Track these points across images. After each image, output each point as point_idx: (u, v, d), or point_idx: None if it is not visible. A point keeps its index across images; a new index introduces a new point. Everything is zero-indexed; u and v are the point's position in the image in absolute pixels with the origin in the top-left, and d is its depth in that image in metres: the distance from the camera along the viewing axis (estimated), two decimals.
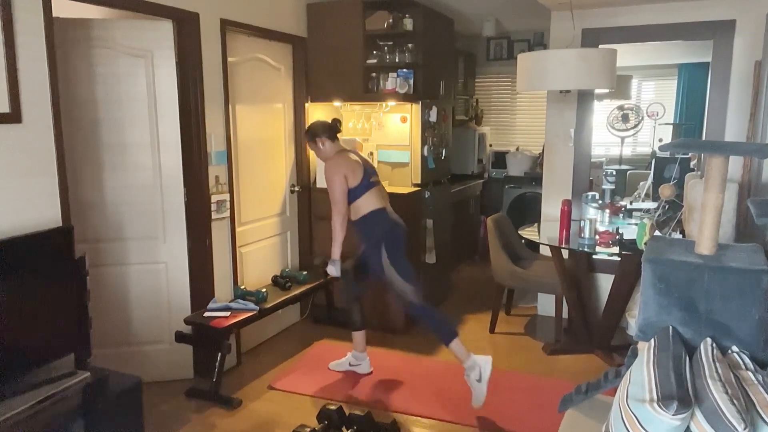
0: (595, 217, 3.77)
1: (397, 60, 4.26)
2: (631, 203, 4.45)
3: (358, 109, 4.53)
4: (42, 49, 2.46)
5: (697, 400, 1.49)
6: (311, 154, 4.44)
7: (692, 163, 4.69)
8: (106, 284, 3.27)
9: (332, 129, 3.40)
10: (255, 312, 3.47)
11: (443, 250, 4.77)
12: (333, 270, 3.34)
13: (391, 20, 4.18)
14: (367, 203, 3.29)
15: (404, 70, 4.19)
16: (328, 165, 3.29)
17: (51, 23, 2.49)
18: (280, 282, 3.97)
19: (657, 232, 3.31)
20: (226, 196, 3.59)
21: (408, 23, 4.20)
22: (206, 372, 3.34)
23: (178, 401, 3.26)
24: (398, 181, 4.40)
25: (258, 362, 3.76)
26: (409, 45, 4.26)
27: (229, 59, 3.60)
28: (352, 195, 3.26)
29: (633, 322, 3.84)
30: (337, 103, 4.46)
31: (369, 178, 3.31)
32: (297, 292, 3.92)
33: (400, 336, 4.15)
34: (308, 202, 4.46)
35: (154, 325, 3.41)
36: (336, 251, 3.30)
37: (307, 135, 3.41)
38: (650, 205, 4.23)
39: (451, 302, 4.94)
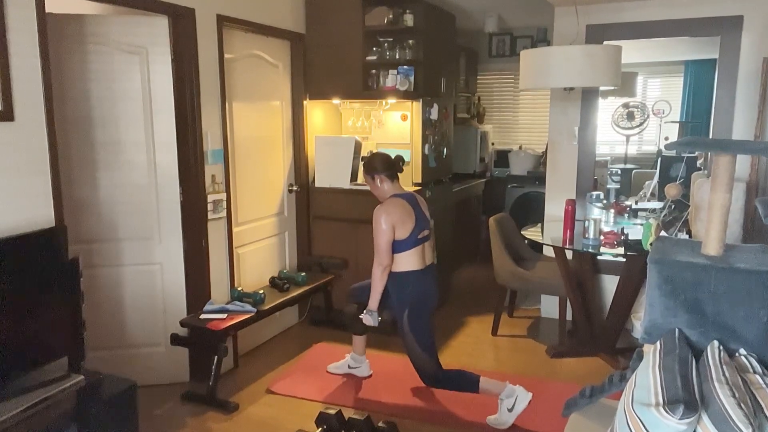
0: (599, 217, 3.77)
1: (397, 56, 4.26)
2: (636, 203, 4.45)
3: (357, 107, 4.53)
4: (35, 46, 2.46)
5: (704, 404, 1.49)
6: (309, 152, 4.44)
7: (699, 162, 4.70)
8: (100, 286, 3.27)
9: (394, 167, 3.19)
10: (252, 314, 3.47)
11: (444, 251, 4.76)
12: (370, 320, 3.18)
13: (391, 16, 4.18)
14: (407, 262, 3.09)
15: (405, 66, 4.19)
16: (380, 208, 3.06)
17: (44, 19, 2.49)
18: (277, 283, 3.97)
19: (663, 233, 3.31)
20: (223, 196, 3.59)
21: (408, 19, 4.20)
22: (202, 375, 3.34)
23: (174, 405, 3.26)
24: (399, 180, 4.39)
25: (255, 365, 3.76)
26: (410, 41, 4.27)
27: (226, 56, 3.60)
28: (397, 247, 3.05)
29: (638, 324, 3.84)
30: (336, 101, 4.46)
31: (418, 234, 3.09)
32: (295, 293, 3.92)
33: (401, 338, 4.14)
34: (307, 202, 4.46)
35: (149, 327, 3.41)
36: (374, 302, 3.12)
37: (365, 168, 3.23)
38: (656, 204, 4.24)
39: (452, 304, 4.95)
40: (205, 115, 3.43)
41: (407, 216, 3.07)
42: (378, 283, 3.09)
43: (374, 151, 4.42)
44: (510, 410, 2.99)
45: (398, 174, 3.22)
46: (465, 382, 3.09)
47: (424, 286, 3.17)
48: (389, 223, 3.01)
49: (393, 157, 3.24)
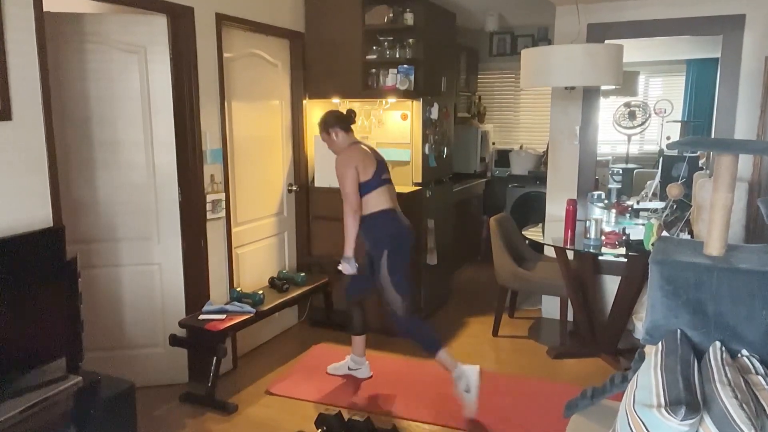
0: (600, 217, 3.77)
1: (397, 55, 4.26)
2: (638, 203, 4.45)
3: (357, 106, 4.50)
4: (32, 45, 2.46)
5: (706, 406, 1.49)
6: (309, 152, 4.44)
7: (701, 162, 4.70)
8: (99, 286, 3.27)
9: (346, 120, 3.37)
10: (251, 315, 3.47)
11: (445, 251, 4.77)
12: (348, 268, 3.26)
13: (391, 14, 4.18)
14: (377, 201, 3.24)
15: (405, 65, 4.19)
16: (340, 157, 3.25)
17: (42, 18, 2.49)
18: (277, 284, 3.97)
19: (665, 233, 3.31)
20: (222, 196, 3.59)
21: (409, 18, 4.20)
22: (201, 376, 3.34)
23: (173, 406, 3.26)
24: (399, 180, 4.39)
25: (255, 366, 3.76)
26: (410, 40, 4.26)
27: (225, 55, 3.60)
28: (363, 189, 3.21)
29: (640, 325, 3.84)
30: (335, 100, 4.45)
31: (381, 175, 3.27)
32: (295, 294, 3.92)
33: (401, 339, 4.15)
34: (306, 202, 4.46)
35: (147, 328, 3.41)
36: (349, 248, 3.23)
37: (320, 126, 3.39)
38: (658, 204, 4.23)
39: (452, 305, 4.95)
40: (204, 115, 3.43)
41: (367, 159, 3.24)
42: (351, 228, 3.19)
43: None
44: (467, 391, 3.08)
45: (351, 126, 3.38)
46: (430, 339, 3.22)
47: (397, 225, 3.28)
48: (352, 165, 3.17)
49: (345, 111, 3.43)
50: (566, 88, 4.03)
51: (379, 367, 3.68)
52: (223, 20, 3.51)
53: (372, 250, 3.28)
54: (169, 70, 3.26)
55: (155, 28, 3.21)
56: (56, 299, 2.46)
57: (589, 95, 4.29)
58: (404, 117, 4.35)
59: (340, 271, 3.34)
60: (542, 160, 6.10)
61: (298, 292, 3.96)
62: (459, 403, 3.21)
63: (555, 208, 4.41)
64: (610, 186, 4.33)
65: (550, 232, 4.13)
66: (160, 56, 3.23)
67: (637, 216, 4.20)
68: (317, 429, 2.90)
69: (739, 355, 1.79)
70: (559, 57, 3.40)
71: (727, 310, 1.81)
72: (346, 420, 2.92)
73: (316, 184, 4.42)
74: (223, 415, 3.17)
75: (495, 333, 4.28)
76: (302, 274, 4.15)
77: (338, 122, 3.34)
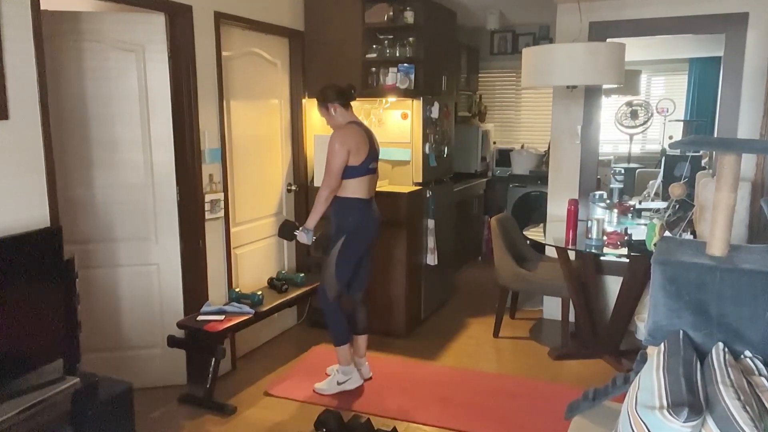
0: (602, 217, 3.77)
1: (397, 54, 4.26)
2: (640, 203, 4.44)
3: (357, 106, 4.50)
4: (29, 43, 2.46)
5: (709, 407, 1.49)
6: (308, 151, 4.44)
7: (703, 161, 4.70)
8: (96, 287, 3.27)
9: (346, 95, 3.33)
10: (250, 315, 3.47)
11: (445, 252, 4.77)
12: (305, 238, 3.31)
13: (391, 13, 4.17)
14: (356, 188, 3.25)
15: (405, 64, 4.19)
16: (337, 134, 3.21)
17: (39, 16, 2.49)
18: (276, 284, 3.97)
19: (667, 233, 3.31)
20: (221, 196, 3.59)
21: (409, 16, 4.20)
22: (200, 378, 3.34)
23: (171, 408, 3.26)
24: (399, 179, 4.40)
25: (253, 367, 3.76)
26: (410, 39, 4.26)
27: (224, 54, 3.60)
28: (347, 173, 3.21)
29: (642, 325, 3.84)
30: None
31: (369, 164, 3.28)
32: (294, 295, 3.91)
33: (401, 340, 4.15)
34: (305, 202, 4.46)
35: (145, 329, 3.41)
36: (312, 221, 3.27)
37: (318, 99, 3.34)
38: (660, 204, 4.23)
39: (453, 305, 4.95)
40: (203, 114, 3.42)
41: (362, 144, 3.23)
42: (321, 205, 3.22)
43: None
44: (339, 384, 3.35)
45: (350, 102, 3.35)
46: (339, 331, 3.37)
47: (366, 217, 3.32)
48: (345, 147, 3.17)
49: (345, 85, 3.37)
50: (568, 87, 4.02)
51: (379, 368, 3.68)
52: (221, 18, 3.51)
53: (333, 231, 3.32)
54: (168, 69, 3.26)
55: (153, 26, 3.21)
56: (53, 300, 2.46)
57: (591, 94, 4.29)
58: (404, 116, 4.35)
59: (295, 238, 3.38)
60: (543, 159, 6.10)
61: (298, 292, 3.95)
62: (460, 405, 3.21)
63: (556, 208, 4.41)
64: (612, 186, 4.33)
65: (551, 232, 4.13)
66: (159, 55, 3.23)
67: (639, 216, 4.19)
68: (317, 431, 2.89)
69: (742, 357, 1.79)
70: (560, 56, 3.40)
71: (730, 310, 1.81)
72: (345, 422, 2.92)
73: (316, 183, 4.41)
74: (222, 416, 3.17)
75: (496, 334, 4.28)
76: (301, 274, 4.14)
77: (338, 97, 3.29)
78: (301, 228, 3.33)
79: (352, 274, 3.37)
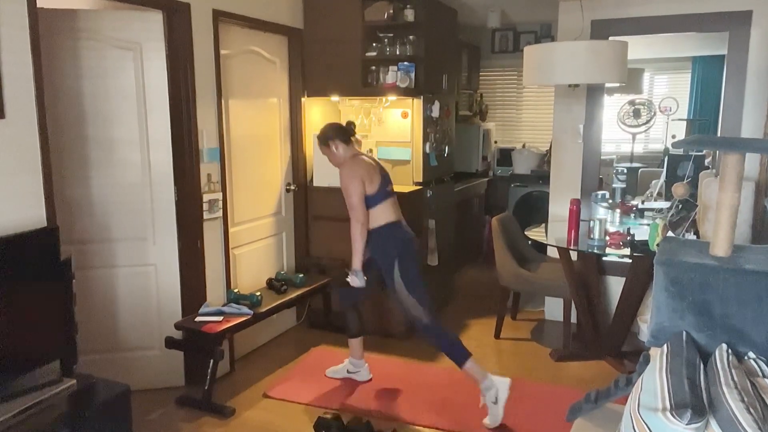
0: (605, 217, 3.77)
1: (397, 53, 4.26)
2: (642, 202, 4.45)
3: (356, 104, 4.53)
4: (26, 41, 2.46)
5: (712, 409, 1.49)
6: (307, 151, 4.44)
7: (707, 161, 4.70)
8: (93, 287, 3.27)
9: (346, 132, 3.36)
10: (249, 316, 3.47)
11: (446, 252, 4.77)
12: (356, 281, 3.25)
13: (391, 11, 4.17)
14: (384, 214, 3.23)
15: (405, 63, 4.19)
16: (344, 170, 3.23)
17: (35, 14, 2.49)
18: (275, 285, 3.97)
19: (670, 233, 3.31)
20: (219, 195, 3.59)
21: (409, 14, 4.20)
22: (198, 379, 3.34)
23: (169, 410, 3.26)
24: (399, 179, 4.40)
25: (252, 369, 3.76)
26: (411, 37, 4.26)
27: (222, 52, 3.60)
28: (369, 202, 3.20)
29: (645, 327, 3.84)
30: (334, 98, 4.46)
31: (386, 187, 3.27)
32: (293, 295, 3.91)
33: (401, 342, 4.15)
34: (305, 202, 4.47)
35: (143, 330, 3.41)
36: (357, 261, 3.22)
37: (319, 139, 3.38)
38: (663, 204, 4.24)
39: (454, 306, 4.95)
40: (201, 113, 3.43)
41: (373, 171, 3.25)
42: (358, 241, 3.19)
43: (371, 149, 4.43)
44: (495, 403, 3.05)
45: (351, 137, 3.37)
46: (456, 349, 3.15)
47: (406, 238, 3.29)
48: (358, 177, 3.17)
49: (345, 123, 3.44)
50: (570, 85, 4.03)
51: (378, 369, 3.68)
52: (220, 16, 3.51)
53: (382, 263, 3.24)
54: (165, 67, 3.26)
55: (151, 24, 3.21)
56: (50, 301, 2.46)
57: (593, 93, 4.29)
58: (405, 115, 4.36)
59: (347, 283, 3.31)
60: (545, 159, 6.09)
61: (297, 293, 3.96)
62: (461, 407, 3.21)
63: (558, 208, 4.41)
64: (614, 185, 4.34)
65: (553, 233, 4.13)
66: (156, 53, 3.23)
67: (642, 216, 4.20)
68: None
69: (746, 358, 1.79)
70: (562, 54, 3.40)
71: (734, 311, 1.81)
72: (345, 424, 2.92)
73: (315, 183, 4.42)
74: (220, 419, 3.17)
75: (497, 335, 4.28)
76: (301, 275, 4.14)
77: (338, 134, 3.32)
78: (349, 273, 3.27)
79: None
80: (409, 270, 3.22)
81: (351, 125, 3.44)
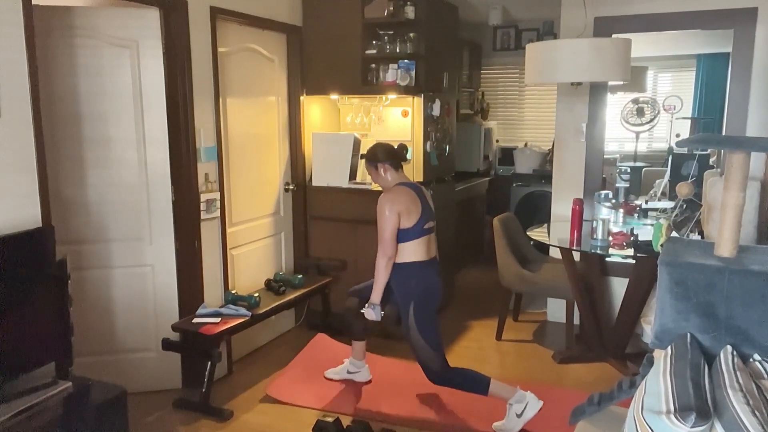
0: (608, 218, 3.77)
1: (398, 50, 4.26)
2: (646, 202, 4.45)
3: (356, 103, 4.53)
4: (21, 39, 2.46)
5: (717, 412, 1.49)
6: (306, 150, 4.44)
7: (711, 160, 4.69)
8: (89, 288, 3.27)
9: (398, 156, 3.19)
10: (247, 318, 3.47)
11: (447, 252, 4.76)
12: (372, 315, 3.13)
13: (391, 8, 4.17)
14: (414, 252, 3.07)
15: (405, 61, 4.19)
16: (385, 196, 3.06)
17: (30, 11, 2.49)
18: (273, 286, 3.97)
19: (674, 233, 3.31)
20: (217, 195, 3.59)
21: (410, 11, 4.20)
22: (195, 382, 3.34)
23: (165, 413, 3.26)
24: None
25: (250, 371, 3.76)
26: (411, 34, 4.26)
27: (220, 49, 3.60)
28: (401, 236, 3.04)
29: (648, 328, 3.84)
30: (334, 96, 4.46)
31: (425, 224, 3.09)
32: (291, 296, 3.92)
33: (401, 343, 4.15)
34: (303, 202, 4.46)
35: (139, 331, 3.41)
36: (377, 296, 3.09)
37: (368, 159, 3.20)
38: (667, 204, 4.23)
39: (455, 307, 4.95)
40: (198, 111, 3.43)
41: (413, 205, 3.05)
42: (382, 275, 3.06)
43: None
44: (519, 416, 2.99)
45: (402, 164, 3.21)
46: (473, 382, 3.06)
47: (429, 279, 3.15)
48: (395, 210, 3.00)
49: (396, 146, 3.24)
50: (572, 83, 4.02)
51: (379, 371, 3.68)
52: (217, 14, 3.51)
53: (399, 299, 3.15)
54: (162, 65, 3.26)
55: (148, 21, 3.21)
56: (45, 302, 2.46)
57: (596, 91, 4.29)
58: (405, 114, 4.36)
59: (362, 314, 3.21)
60: (547, 158, 6.09)
61: (295, 294, 3.96)
62: (461, 409, 3.21)
63: (561, 208, 4.41)
64: (617, 185, 4.34)
65: (555, 233, 4.13)
66: (153, 51, 3.23)
67: (646, 216, 4.20)
68: None
69: (751, 360, 1.79)
70: (565, 52, 3.40)
71: (739, 313, 1.81)
72: (344, 426, 2.93)
73: (314, 183, 4.42)
74: (218, 422, 3.17)
75: (499, 337, 4.28)
76: (299, 276, 4.15)
77: (389, 158, 3.15)
78: (366, 305, 3.15)
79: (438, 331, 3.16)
80: (425, 314, 3.09)
81: (403, 149, 3.26)
